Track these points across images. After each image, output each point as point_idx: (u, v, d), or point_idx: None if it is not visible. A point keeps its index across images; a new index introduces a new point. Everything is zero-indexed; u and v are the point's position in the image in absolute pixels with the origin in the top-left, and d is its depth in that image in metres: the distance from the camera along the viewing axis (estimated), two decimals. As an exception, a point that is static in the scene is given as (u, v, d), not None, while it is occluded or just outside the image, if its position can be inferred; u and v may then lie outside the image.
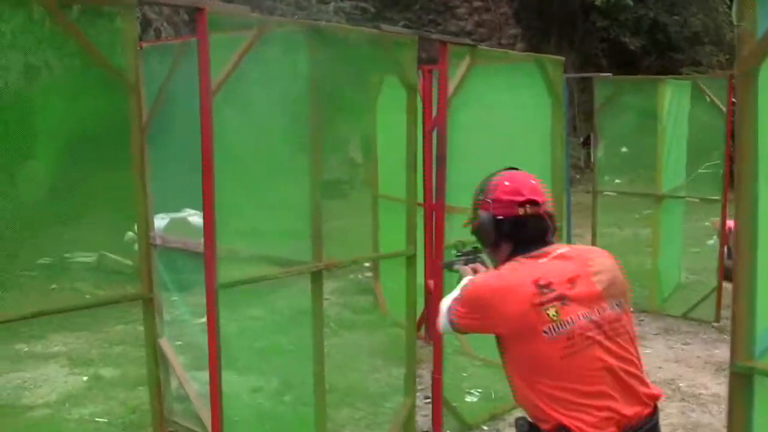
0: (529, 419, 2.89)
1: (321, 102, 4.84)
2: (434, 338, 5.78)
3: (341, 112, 7.18)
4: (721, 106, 8.64)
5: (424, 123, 6.73)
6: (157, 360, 4.65)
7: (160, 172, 5.55)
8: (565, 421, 2.71)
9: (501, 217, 2.95)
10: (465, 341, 7.09)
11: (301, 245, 4.91)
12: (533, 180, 3.03)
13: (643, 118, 9.29)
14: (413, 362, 5.58)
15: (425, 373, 6.22)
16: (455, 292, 3.06)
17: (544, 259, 2.87)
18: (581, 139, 22.53)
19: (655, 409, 2.87)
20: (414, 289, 5.55)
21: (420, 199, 6.18)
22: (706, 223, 11.71)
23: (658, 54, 25.12)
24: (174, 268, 5.96)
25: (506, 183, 2.97)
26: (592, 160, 19.77)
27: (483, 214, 3.00)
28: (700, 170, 10.46)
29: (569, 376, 2.72)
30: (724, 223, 8.97)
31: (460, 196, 5.84)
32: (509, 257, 2.97)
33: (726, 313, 9.13)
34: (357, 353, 7.36)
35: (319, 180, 4.88)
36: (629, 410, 2.75)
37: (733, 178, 2.78)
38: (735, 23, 2.43)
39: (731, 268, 8.48)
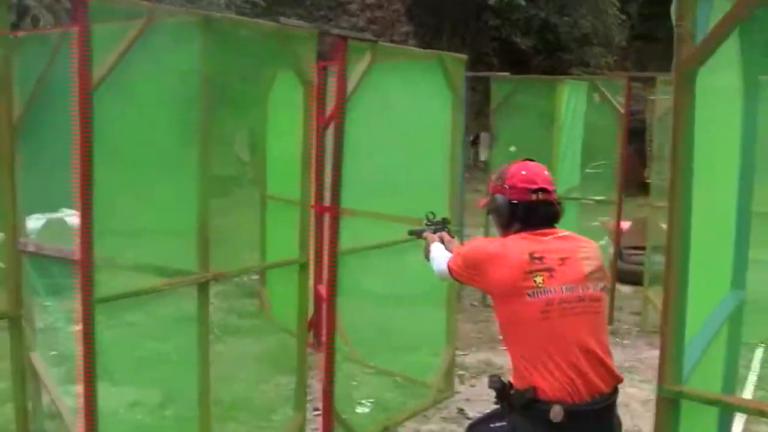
0: (503, 380, 3.26)
1: (212, 96, 4.52)
2: (325, 345, 5.52)
3: (232, 107, 6.82)
4: (618, 108, 8.65)
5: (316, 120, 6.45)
6: (24, 377, 4.27)
7: (36, 170, 5.10)
8: (535, 380, 3.06)
9: (515, 201, 3.31)
10: (352, 347, 6.83)
11: (187, 252, 4.58)
12: (546, 172, 3.40)
13: (539, 118, 9.22)
14: (304, 374, 5.28)
15: (313, 383, 5.93)
16: (440, 250, 3.80)
17: (546, 238, 3.23)
18: (471, 138, 22.65)
19: (615, 390, 3.18)
20: (306, 297, 5.27)
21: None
22: (594, 223, 11.82)
23: (548, 54, 25.52)
24: (47, 272, 5.48)
25: (523, 172, 3.35)
26: (481, 158, 19.98)
27: (499, 198, 3.37)
28: (587, 170, 10.57)
29: (544, 337, 3.07)
30: (618, 225, 8.97)
31: (356, 198, 5.68)
32: (517, 233, 3.31)
33: (619, 315, 9.26)
34: (243, 361, 6.99)
35: (207, 180, 4.56)
36: (593, 384, 3.07)
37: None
38: (674, 23, 2.27)
39: (625, 270, 8.51)
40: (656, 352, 7.27)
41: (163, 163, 4.57)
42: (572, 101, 9.09)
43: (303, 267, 5.16)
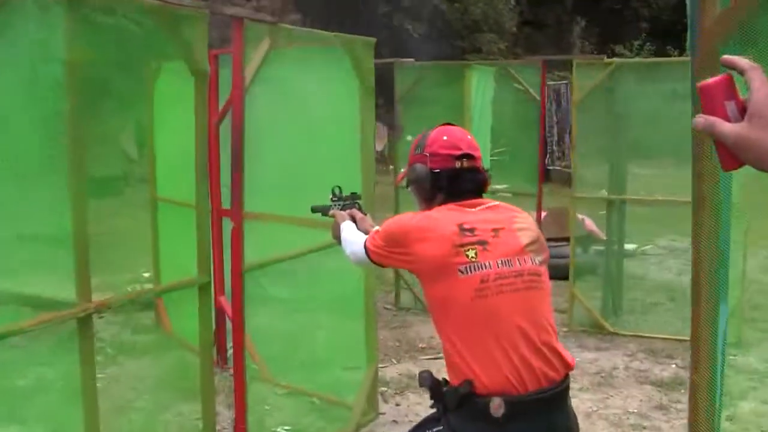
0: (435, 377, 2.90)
1: (82, 87, 3.69)
2: (235, 370, 4.87)
3: (112, 98, 6.07)
4: (534, 94, 8.17)
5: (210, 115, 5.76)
6: None
7: None
8: (472, 373, 2.71)
9: (437, 170, 3.01)
10: (263, 366, 6.18)
11: (62, 277, 3.79)
12: (469, 136, 3.12)
13: (448, 107, 8.64)
14: (212, 402, 4.54)
15: (221, 409, 5.29)
16: (352, 230, 3.39)
17: (474, 209, 2.94)
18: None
19: (567, 376, 2.86)
20: (209, 319, 4.54)
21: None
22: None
23: (440, 41, 25.16)
24: None
25: (444, 137, 3.05)
26: (377, 149, 19.50)
27: (419, 168, 3.05)
28: (490, 157, 10.21)
29: (480, 319, 2.73)
30: (538, 217, 8.52)
31: (259, 200, 5.06)
32: (442, 205, 3.00)
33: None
34: (140, 386, 6.24)
35: (82, 189, 3.68)
36: (539, 371, 2.73)
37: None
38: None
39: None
40: (590, 355, 6.80)
41: (23, 164, 3.77)
42: (481, 87, 8.58)
43: (204, 287, 4.38)
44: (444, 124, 3.17)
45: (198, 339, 4.43)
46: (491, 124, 9.28)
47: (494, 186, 9.68)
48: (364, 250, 3.16)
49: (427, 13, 24.67)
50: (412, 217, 3.01)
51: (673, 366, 7.00)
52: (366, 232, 3.34)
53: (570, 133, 18.99)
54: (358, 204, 3.69)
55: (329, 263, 5.33)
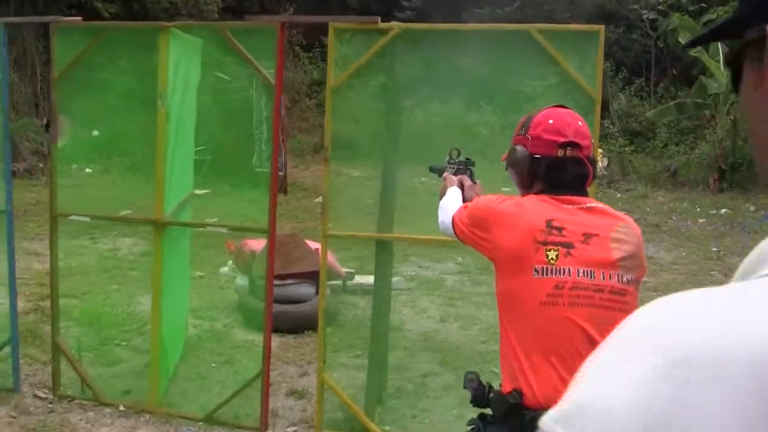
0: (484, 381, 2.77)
1: None
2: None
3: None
4: (265, 73, 5.44)
5: None
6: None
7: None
8: (523, 381, 2.55)
9: (538, 156, 2.77)
10: None
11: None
12: (580, 122, 2.82)
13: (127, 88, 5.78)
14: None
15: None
16: (456, 197, 3.25)
17: (570, 206, 2.71)
18: (44, 122, 18.52)
19: None
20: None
21: None
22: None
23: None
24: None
25: (550, 121, 2.79)
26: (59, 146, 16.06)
27: (519, 150, 2.83)
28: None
29: (544, 328, 2.56)
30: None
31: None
32: (537, 195, 2.78)
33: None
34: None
35: None
36: None
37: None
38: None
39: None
40: None
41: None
42: (183, 64, 5.84)
43: None
44: (554, 106, 2.89)
45: None
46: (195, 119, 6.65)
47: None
48: (451, 222, 3.02)
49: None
50: (501, 201, 2.80)
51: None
52: (471, 201, 3.16)
53: (282, 130, 16.95)
54: (471, 170, 3.54)
55: None
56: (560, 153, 2.74)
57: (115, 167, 15.75)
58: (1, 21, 5.35)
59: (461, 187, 3.39)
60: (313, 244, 7.74)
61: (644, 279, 8.24)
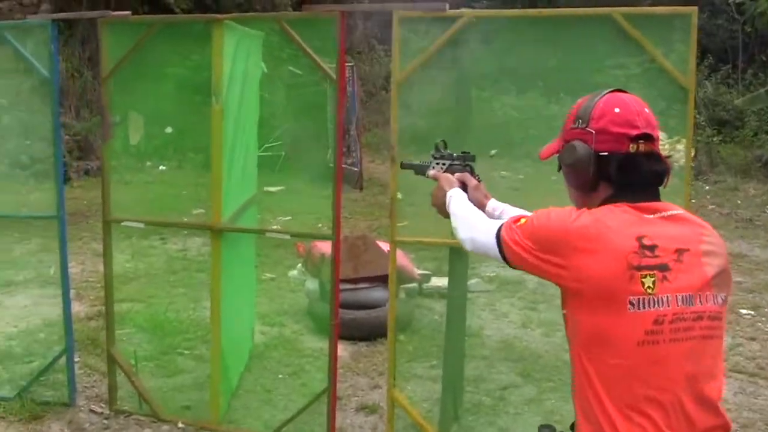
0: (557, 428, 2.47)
1: None
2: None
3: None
4: (328, 70, 5.04)
5: None
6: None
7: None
8: (608, 426, 2.15)
9: (605, 153, 2.30)
10: None
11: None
12: (647, 109, 2.36)
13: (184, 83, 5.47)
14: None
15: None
16: (469, 204, 2.80)
17: (651, 216, 2.26)
18: (116, 119, 18.48)
19: None
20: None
21: None
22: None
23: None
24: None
25: (616, 110, 2.32)
26: (132, 143, 15.95)
27: (580, 147, 2.34)
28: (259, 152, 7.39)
29: (640, 370, 2.14)
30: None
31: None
32: (606, 202, 2.31)
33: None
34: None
35: None
36: None
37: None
38: None
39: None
40: None
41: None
42: (241, 58, 5.47)
43: None
44: (613, 91, 2.39)
45: None
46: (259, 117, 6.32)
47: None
48: (495, 241, 2.44)
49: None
50: (574, 217, 2.27)
51: None
52: (479, 205, 2.84)
53: (356, 124, 16.54)
54: (471, 167, 2.99)
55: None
56: (632, 148, 2.30)
57: (189, 164, 15.58)
58: (49, 17, 5.06)
59: (463, 187, 2.91)
60: (387, 246, 7.35)
61: (738, 279, 7.63)
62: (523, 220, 2.43)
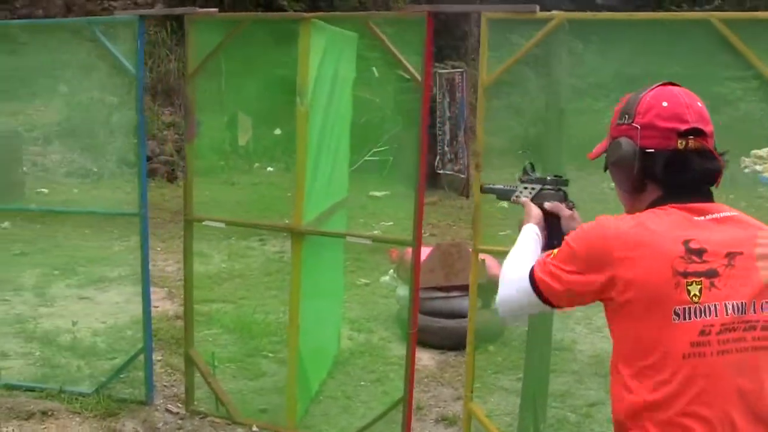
0: None
1: None
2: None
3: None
4: (414, 72, 4.82)
5: None
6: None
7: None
8: None
9: (651, 150, 2.14)
10: None
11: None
12: (699, 102, 2.19)
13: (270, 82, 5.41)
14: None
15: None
16: (528, 248, 2.48)
17: (701, 218, 2.11)
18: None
19: None
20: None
21: None
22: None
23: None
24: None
25: (664, 104, 2.16)
26: (240, 144, 16.11)
27: (625, 144, 2.19)
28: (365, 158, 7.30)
29: (684, 383, 1.98)
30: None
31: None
32: (653, 205, 2.16)
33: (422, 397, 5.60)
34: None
35: None
36: None
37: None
38: None
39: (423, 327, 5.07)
40: None
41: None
42: (331, 59, 5.34)
43: None
44: (663, 84, 2.22)
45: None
46: (351, 119, 6.20)
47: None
48: (529, 284, 2.22)
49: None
50: (614, 224, 2.12)
51: None
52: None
53: (465, 130, 16.32)
54: (564, 192, 2.60)
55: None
56: (681, 144, 2.14)
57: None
58: (135, 14, 5.06)
59: (550, 219, 2.59)
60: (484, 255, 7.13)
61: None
62: (556, 251, 2.24)
